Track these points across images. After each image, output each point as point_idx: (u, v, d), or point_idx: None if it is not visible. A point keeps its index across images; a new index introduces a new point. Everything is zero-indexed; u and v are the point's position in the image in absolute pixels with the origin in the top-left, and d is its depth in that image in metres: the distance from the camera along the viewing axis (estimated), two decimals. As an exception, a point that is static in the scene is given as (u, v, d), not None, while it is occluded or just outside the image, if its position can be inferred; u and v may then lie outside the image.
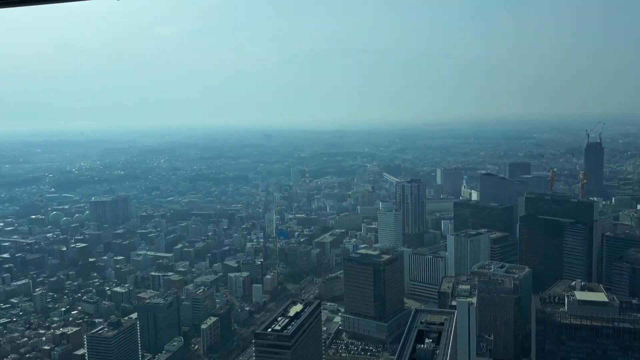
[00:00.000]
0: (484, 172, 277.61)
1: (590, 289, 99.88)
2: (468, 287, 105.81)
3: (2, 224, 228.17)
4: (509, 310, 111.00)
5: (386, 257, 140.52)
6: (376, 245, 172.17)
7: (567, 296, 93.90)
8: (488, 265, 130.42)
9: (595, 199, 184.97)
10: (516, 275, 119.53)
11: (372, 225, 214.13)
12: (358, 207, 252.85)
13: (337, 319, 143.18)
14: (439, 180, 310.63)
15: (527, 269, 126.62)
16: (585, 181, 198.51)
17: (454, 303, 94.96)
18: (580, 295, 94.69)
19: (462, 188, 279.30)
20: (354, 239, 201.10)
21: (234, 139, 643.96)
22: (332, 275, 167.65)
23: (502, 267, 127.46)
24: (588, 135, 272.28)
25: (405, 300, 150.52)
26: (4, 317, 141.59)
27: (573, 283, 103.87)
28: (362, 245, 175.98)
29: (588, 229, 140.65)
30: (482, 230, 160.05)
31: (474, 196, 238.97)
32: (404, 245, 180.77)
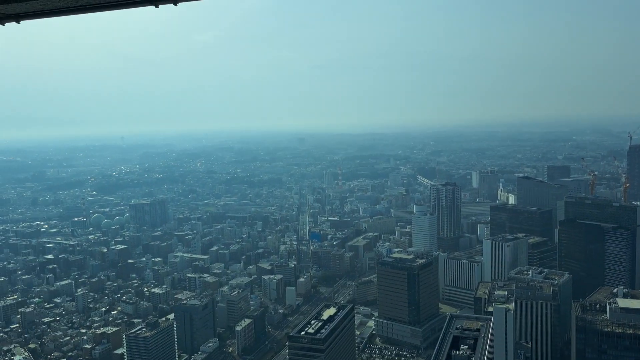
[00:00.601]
0: (521, 175, 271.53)
1: (634, 296, 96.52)
2: (505, 293, 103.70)
3: (46, 225, 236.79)
4: (548, 317, 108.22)
5: (421, 261, 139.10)
6: (410, 249, 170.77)
7: (609, 303, 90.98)
8: (526, 271, 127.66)
9: (638, 203, 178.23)
10: (555, 282, 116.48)
11: (406, 228, 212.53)
12: (392, 210, 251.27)
13: (371, 323, 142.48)
14: (474, 184, 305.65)
15: (566, 275, 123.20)
16: (627, 185, 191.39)
17: (490, 309, 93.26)
18: (623, 302, 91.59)
19: (499, 191, 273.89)
20: (387, 243, 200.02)
21: (268, 142, 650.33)
22: (366, 279, 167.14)
23: (540, 272, 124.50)
24: (631, 138, 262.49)
25: (440, 305, 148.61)
26: (48, 316, 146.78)
27: (615, 290, 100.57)
28: (396, 249, 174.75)
29: (631, 234, 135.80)
30: (520, 235, 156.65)
31: (511, 200, 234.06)
32: (439, 249, 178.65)
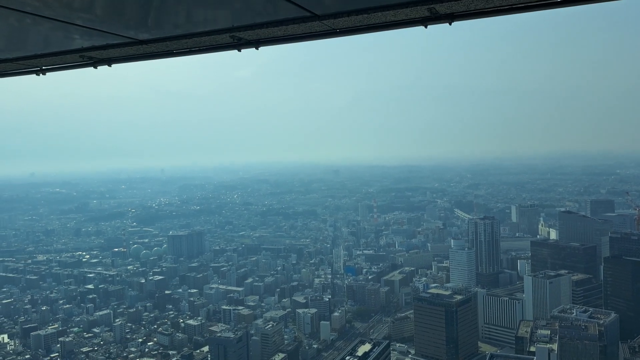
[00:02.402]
0: (563, 209, 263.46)
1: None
2: (548, 332, 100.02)
3: (88, 256, 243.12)
4: (593, 358, 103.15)
5: (459, 297, 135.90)
6: (448, 284, 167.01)
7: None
8: (570, 309, 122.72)
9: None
10: (601, 321, 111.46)
11: (443, 263, 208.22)
12: (428, 244, 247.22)
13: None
14: (514, 218, 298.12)
15: (613, 315, 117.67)
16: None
17: (532, 349, 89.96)
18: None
19: (540, 226, 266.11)
20: (424, 278, 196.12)
21: (303, 174, 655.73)
22: (402, 315, 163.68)
23: (585, 311, 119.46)
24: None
25: (480, 344, 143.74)
26: (86, 346, 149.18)
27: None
28: (433, 285, 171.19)
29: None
30: (562, 272, 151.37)
31: (553, 235, 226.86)
32: (478, 285, 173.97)
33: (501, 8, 5.06)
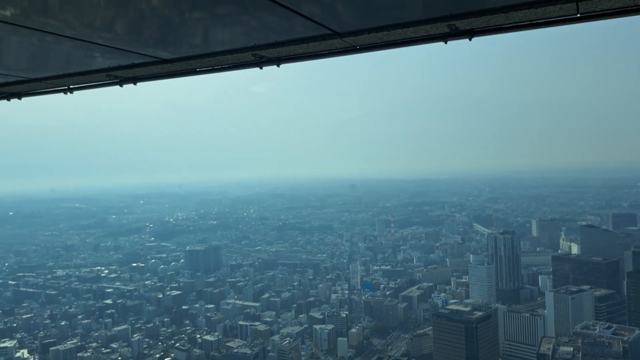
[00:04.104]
0: (584, 223, 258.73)
1: None
2: (571, 349, 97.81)
3: (107, 271, 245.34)
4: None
5: (479, 314, 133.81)
6: (467, 300, 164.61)
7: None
8: (593, 326, 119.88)
9: None
10: (625, 338, 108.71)
11: (462, 279, 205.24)
12: (447, 259, 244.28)
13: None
14: (534, 232, 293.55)
15: (637, 331, 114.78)
16: None
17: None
18: None
19: (561, 240, 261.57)
20: (443, 294, 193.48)
21: (319, 188, 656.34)
22: (421, 331, 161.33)
23: (609, 327, 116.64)
24: None
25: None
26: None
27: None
28: (452, 301, 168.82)
29: None
30: (585, 287, 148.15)
31: (574, 249, 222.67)
32: (498, 301, 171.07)
33: (521, 24, 5.06)
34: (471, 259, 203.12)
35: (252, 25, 5.55)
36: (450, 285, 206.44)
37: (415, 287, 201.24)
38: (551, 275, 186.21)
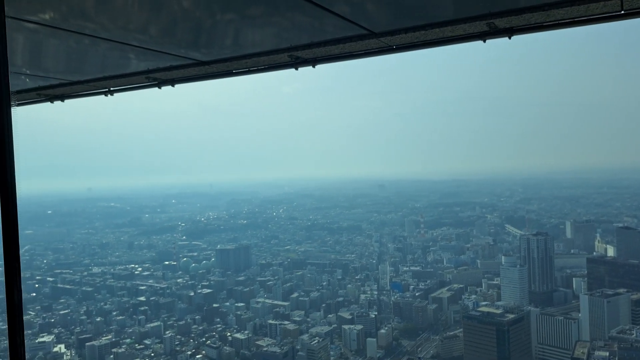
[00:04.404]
0: (620, 225, 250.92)
1: None
2: (606, 354, 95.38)
3: (140, 269, 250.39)
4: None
5: (511, 316, 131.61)
6: (499, 303, 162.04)
7: None
8: (629, 330, 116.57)
9: None
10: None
11: (493, 281, 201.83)
12: (478, 260, 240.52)
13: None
14: (568, 234, 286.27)
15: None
16: None
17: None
18: None
19: (596, 242, 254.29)
20: (473, 295, 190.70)
21: (348, 189, 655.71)
22: (451, 333, 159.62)
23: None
24: None
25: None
26: (138, 357, 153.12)
27: None
28: (483, 303, 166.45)
29: None
30: (621, 290, 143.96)
31: (610, 252, 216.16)
32: (530, 304, 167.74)
33: (562, 22, 4.97)
34: (503, 260, 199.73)
35: (287, 26, 5.58)
36: (482, 287, 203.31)
37: (446, 289, 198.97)
38: (586, 278, 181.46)
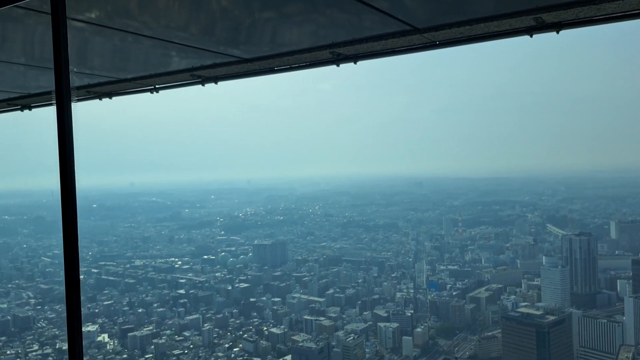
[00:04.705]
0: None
1: None
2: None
3: (180, 262, 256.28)
4: None
5: (551, 318, 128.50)
6: (539, 304, 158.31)
7: None
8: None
9: None
10: None
11: (534, 281, 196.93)
12: (517, 260, 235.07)
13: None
14: (613, 235, 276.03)
15: None
16: None
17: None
18: None
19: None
20: (513, 296, 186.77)
21: (384, 186, 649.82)
22: (489, 334, 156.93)
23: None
24: None
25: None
26: (177, 349, 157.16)
27: None
28: (523, 304, 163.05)
29: None
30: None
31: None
32: (572, 306, 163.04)
33: (613, 15, 4.87)
34: (544, 260, 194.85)
35: (329, 23, 5.63)
36: (521, 287, 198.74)
37: (484, 288, 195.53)
38: (631, 280, 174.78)
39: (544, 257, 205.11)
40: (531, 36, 5.39)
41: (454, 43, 5.84)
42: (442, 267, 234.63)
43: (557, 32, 5.23)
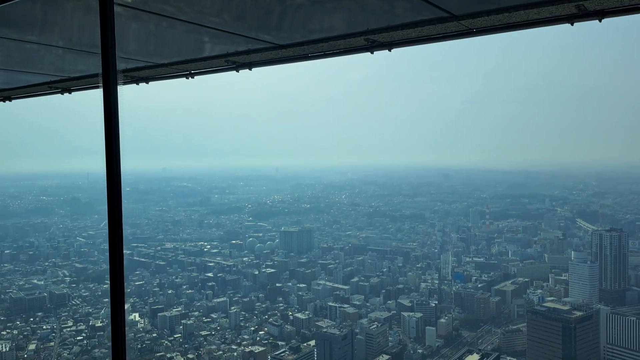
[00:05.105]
0: None
1: None
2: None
3: (209, 246, 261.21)
4: None
5: (578, 313, 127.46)
6: (566, 299, 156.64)
7: None
8: None
9: None
10: None
11: (561, 276, 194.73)
12: (545, 255, 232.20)
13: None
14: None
15: None
16: None
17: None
18: None
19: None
20: (539, 290, 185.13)
21: (411, 177, 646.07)
22: (514, 327, 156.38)
23: None
24: None
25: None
26: (205, 330, 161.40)
27: None
28: (550, 298, 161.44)
29: None
30: None
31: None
32: (601, 302, 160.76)
33: None
34: (572, 255, 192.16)
35: (366, 10, 5.55)
36: (548, 282, 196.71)
37: (510, 282, 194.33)
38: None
39: (572, 252, 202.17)
40: (572, 24, 5.26)
41: (491, 31, 5.70)
42: (467, 259, 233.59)
43: (600, 21, 5.12)
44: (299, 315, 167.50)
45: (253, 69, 7.78)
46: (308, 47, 6.74)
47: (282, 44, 6.73)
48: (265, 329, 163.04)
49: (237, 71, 7.78)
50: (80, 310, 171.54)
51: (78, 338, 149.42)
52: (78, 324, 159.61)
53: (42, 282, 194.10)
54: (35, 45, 7.23)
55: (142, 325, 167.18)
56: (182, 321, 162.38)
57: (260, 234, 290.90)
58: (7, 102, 11.19)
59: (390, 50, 6.35)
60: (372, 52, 6.45)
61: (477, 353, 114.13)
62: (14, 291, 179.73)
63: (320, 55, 7.02)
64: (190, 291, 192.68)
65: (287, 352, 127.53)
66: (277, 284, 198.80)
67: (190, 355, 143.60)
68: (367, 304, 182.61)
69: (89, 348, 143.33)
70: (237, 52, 7.18)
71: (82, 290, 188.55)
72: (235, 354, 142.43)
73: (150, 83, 8.94)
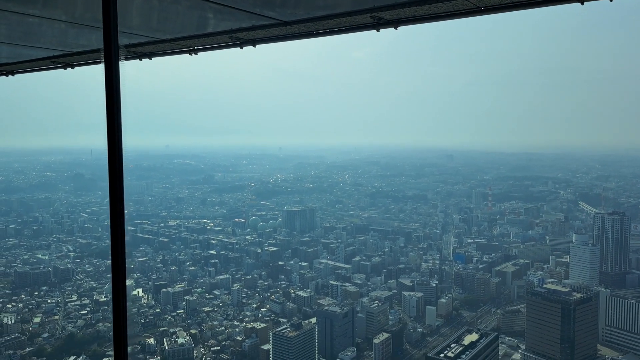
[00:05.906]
0: None
1: None
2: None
3: (212, 224, 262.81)
4: None
5: (578, 295, 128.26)
6: (566, 281, 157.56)
7: None
8: None
9: None
10: None
11: (562, 258, 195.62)
12: (547, 237, 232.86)
13: (517, 356, 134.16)
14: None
15: None
16: None
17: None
18: None
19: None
20: (540, 272, 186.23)
21: (414, 158, 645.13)
22: (513, 307, 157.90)
23: None
24: None
25: (599, 347, 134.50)
26: (207, 306, 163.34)
27: None
28: (550, 280, 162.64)
29: None
30: None
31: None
32: (601, 284, 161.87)
33: None
34: (574, 238, 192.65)
35: None
36: (549, 264, 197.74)
37: (510, 263, 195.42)
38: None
39: (574, 234, 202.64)
40: (582, 3, 5.14)
41: (500, 9, 5.57)
42: (469, 240, 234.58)
43: (611, 0, 5.09)
44: (300, 293, 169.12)
45: (257, 46, 7.65)
46: (313, 24, 6.62)
47: (287, 20, 6.61)
48: (267, 306, 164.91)
49: (241, 48, 7.68)
50: (84, 285, 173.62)
51: (82, 312, 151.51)
52: (82, 299, 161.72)
53: (47, 257, 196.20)
54: (37, 19, 7.12)
55: (146, 300, 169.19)
56: (185, 297, 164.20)
57: (263, 213, 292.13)
58: (10, 76, 11.11)
59: (396, 28, 6.24)
60: (378, 30, 6.33)
61: (476, 332, 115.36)
62: (19, 265, 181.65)
63: (325, 33, 6.89)
64: (193, 268, 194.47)
65: (288, 329, 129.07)
66: (280, 262, 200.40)
67: (192, 331, 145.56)
68: (369, 283, 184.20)
69: (93, 322, 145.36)
70: (241, 29, 7.07)
71: (86, 266, 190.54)
72: (237, 330, 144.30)
73: (153, 59, 8.79)
